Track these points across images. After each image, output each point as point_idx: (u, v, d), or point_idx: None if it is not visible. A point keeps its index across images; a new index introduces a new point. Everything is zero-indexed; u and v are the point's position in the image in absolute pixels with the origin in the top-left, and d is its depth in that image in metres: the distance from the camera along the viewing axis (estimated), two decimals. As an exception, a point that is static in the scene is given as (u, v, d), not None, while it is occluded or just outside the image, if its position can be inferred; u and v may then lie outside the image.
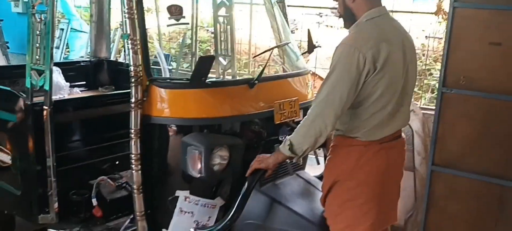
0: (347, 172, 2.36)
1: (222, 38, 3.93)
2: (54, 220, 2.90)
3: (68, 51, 7.17)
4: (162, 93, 2.52)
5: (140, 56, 2.47)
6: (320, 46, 3.12)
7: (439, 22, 4.98)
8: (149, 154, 2.59)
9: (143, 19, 2.51)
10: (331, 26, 6.37)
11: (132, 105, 2.48)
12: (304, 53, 3.23)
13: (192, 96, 2.55)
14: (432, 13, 4.85)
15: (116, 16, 5.37)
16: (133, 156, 2.52)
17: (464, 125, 3.58)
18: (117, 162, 3.41)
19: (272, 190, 2.71)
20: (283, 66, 3.08)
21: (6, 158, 3.11)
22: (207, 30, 6.81)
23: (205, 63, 2.45)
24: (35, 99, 2.83)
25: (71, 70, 4.49)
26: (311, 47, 3.14)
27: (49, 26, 2.74)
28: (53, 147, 2.79)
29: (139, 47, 2.46)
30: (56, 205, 2.89)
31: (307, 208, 2.66)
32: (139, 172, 2.53)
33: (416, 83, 5.44)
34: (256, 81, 2.66)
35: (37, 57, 2.83)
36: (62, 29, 6.90)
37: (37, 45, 2.81)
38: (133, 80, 2.46)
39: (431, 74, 5.66)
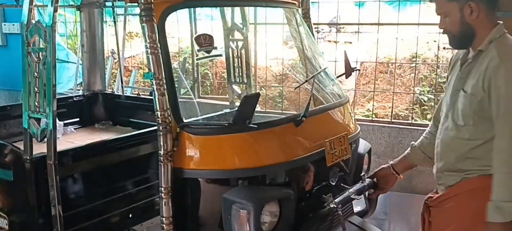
0: None
1: (235, 64, 3.52)
2: None
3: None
4: (196, 142, 2.09)
5: (167, 98, 2.04)
6: (359, 70, 2.72)
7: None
8: (181, 214, 2.15)
9: (168, 54, 2.09)
10: (335, 42, 6.03)
11: (161, 158, 2.04)
12: (340, 76, 2.83)
13: (234, 143, 2.12)
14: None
15: (110, 44, 4.91)
16: (164, 219, 2.07)
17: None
18: (130, 215, 2.96)
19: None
20: (322, 95, 2.67)
21: (2, 223, 2.63)
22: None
23: (251, 102, 2.03)
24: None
25: (63, 106, 3.98)
26: (348, 70, 2.74)
27: (50, 67, 2.28)
28: (59, 202, 2.34)
29: (166, 87, 2.03)
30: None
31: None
32: (171, 238, 2.09)
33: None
34: (304, 118, 2.24)
35: (37, 103, 2.37)
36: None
37: (36, 89, 2.36)
38: (161, 128, 2.03)
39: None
